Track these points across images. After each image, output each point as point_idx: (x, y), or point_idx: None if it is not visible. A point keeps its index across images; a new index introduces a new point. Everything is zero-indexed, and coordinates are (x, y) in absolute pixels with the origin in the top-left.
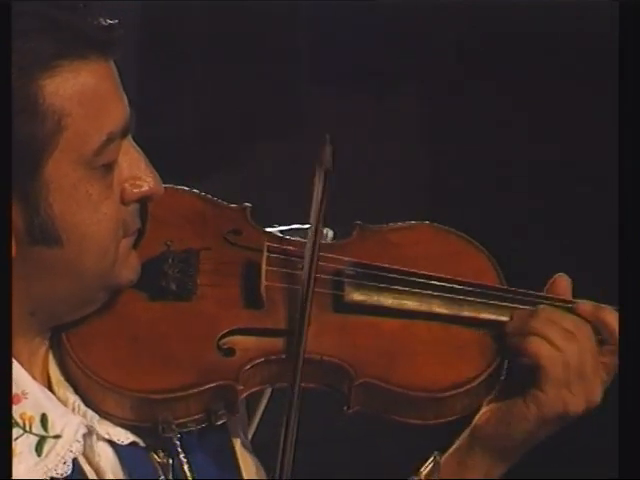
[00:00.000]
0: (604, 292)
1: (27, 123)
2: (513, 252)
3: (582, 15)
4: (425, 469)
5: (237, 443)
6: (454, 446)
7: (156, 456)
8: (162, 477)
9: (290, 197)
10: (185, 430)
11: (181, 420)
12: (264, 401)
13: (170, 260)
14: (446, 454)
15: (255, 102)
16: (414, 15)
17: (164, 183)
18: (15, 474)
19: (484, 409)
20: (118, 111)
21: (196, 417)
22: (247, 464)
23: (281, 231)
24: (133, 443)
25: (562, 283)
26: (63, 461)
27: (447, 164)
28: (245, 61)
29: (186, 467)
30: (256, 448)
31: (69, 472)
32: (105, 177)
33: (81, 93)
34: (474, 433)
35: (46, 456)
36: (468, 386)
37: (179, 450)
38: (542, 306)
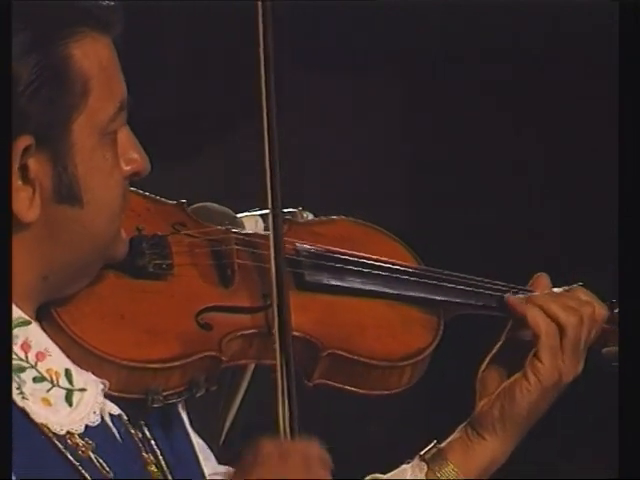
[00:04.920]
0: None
1: (58, 86)
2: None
3: (582, 15)
4: (427, 454)
5: (183, 413)
6: (454, 438)
7: (133, 431)
8: (143, 451)
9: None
10: (169, 402)
11: (167, 392)
12: (246, 379)
13: (144, 243)
14: (446, 446)
15: (233, 84)
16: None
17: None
18: (53, 423)
19: (484, 401)
20: (122, 83)
21: (180, 389)
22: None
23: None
24: (119, 415)
25: (543, 281)
26: (93, 410)
27: (428, 151)
28: (227, 42)
29: (153, 442)
30: (242, 427)
31: (99, 421)
32: (112, 146)
33: (101, 59)
34: (480, 422)
35: (77, 406)
36: (420, 356)
37: (142, 424)
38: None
